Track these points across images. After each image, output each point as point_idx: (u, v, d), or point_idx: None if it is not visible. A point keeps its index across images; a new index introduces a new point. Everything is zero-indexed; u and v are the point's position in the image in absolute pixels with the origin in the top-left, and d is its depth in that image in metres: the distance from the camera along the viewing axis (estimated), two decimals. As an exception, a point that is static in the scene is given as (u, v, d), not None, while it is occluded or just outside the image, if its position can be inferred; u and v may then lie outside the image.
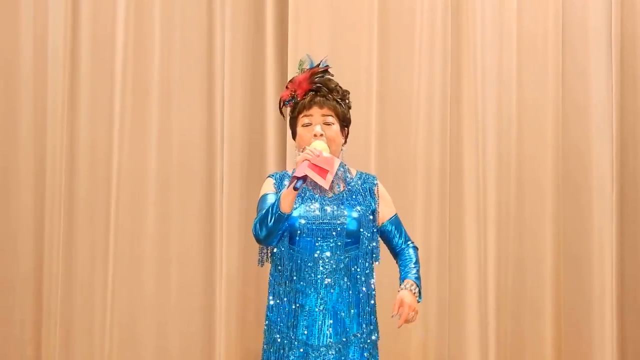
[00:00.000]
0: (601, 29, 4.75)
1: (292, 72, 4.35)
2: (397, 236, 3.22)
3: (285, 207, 2.96)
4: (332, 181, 3.06)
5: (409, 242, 3.24)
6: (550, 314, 4.64)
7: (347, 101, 3.20)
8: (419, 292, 3.12)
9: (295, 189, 2.93)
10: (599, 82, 4.75)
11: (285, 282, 3.07)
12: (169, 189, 4.53)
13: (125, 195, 4.49)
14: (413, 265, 3.17)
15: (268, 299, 3.14)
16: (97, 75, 4.52)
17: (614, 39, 4.72)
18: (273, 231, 3.00)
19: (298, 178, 2.91)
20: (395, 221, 3.22)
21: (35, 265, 4.48)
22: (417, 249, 3.26)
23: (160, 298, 4.51)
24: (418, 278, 3.14)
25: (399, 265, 3.22)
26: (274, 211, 2.97)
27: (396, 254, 3.24)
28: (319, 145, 3.00)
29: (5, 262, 4.47)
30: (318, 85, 3.14)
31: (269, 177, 3.25)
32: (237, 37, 4.55)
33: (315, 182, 2.95)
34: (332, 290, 3.04)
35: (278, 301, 3.08)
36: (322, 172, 2.91)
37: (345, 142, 3.22)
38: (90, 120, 4.52)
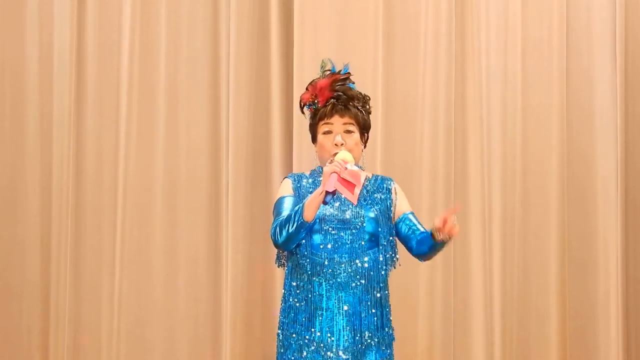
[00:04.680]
0: (606, 34, 4.76)
1: (298, 78, 4.41)
2: (417, 227, 3.13)
3: (308, 216, 2.95)
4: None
5: None
6: (555, 319, 4.64)
7: (367, 107, 3.21)
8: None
9: (324, 202, 2.92)
10: (603, 86, 4.75)
11: (303, 285, 3.05)
12: (175, 196, 4.54)
13: (132, 202, 4.50)
14: None
15: (283, 300, 3.13)
16: (103, 82, 4.54)
17: (619, 44, 4.72)
18: (293, 237, 2.98)
19: (329, 193, 2.89)
20: (413, 215, 3.18)
21: (42, 272, 4.49)
22: None
23: (167, 304, 4.52)
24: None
25: (424, 237, 3.06)
26: (296, 218, 2.95)
27: (418, 239, 3.10)
28: (346, 157, 2.98)
29: (13, 269, 4.48)
30: (339, 93, 3.14)
31: (286, 178, 3.23)
32: (243, 43, 4.56)
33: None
34: (350, 293, 3.03)
35: (294, 303, 3.07)
36: (350, 185, 2.90)
37: (365, 146, 3.22)
38: (97, 127, 4.53)
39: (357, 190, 2.91)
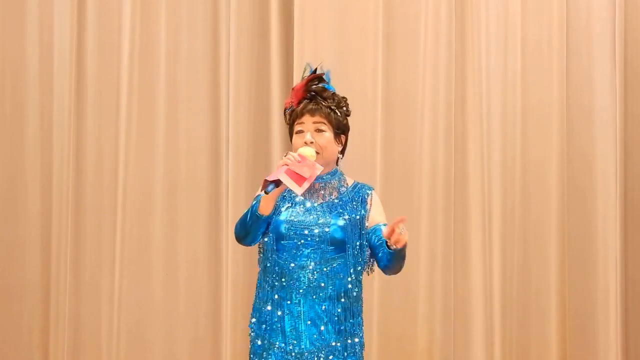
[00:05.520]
0: (605, 34, 4.75)
1: (298, 78, 4.36)
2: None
3: (263, 209, 2.98)
4: (308, 188, 3.00)
5: None
6: (555, 318, 4.64)
7: (344, 108, 3.17)
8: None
9: (266, 192, 2.92)
10: (603, 86, 4.75)
11: (270, 287, 3.06)
12: (175, 196, 4.55)
13: (132, 202, 4.50)
14: None
15: (253, 303, 3.13)
16: (103, 82, 4.54)
17: (618, 44, 4.72)
18: (250, 232, 3.02)
19: (270, 182, 2.89)
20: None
21: (42, 273, 4.50)
22: None
23: (167, 304, 4.52)
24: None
25: (383, 247, 3.00)
26: (252, 211, 3.00)
27: (383, 251, 3.04)
28: (306, 152, 2.99)
29: (14, 269, 4.49)
30: (312, 93, 3.14)
31: (265, 178, 3.24)
32: (243, 43, 4.56)
33: (288, 187, 2.92)
34: (315, 298, 3.02)
35: (262, 306, 3.08)
36: (299, 178, 2.89)
37: (345, 148, 3.19)
38: (97, 127, 4.54)
39: (307, 184, 2.90)
